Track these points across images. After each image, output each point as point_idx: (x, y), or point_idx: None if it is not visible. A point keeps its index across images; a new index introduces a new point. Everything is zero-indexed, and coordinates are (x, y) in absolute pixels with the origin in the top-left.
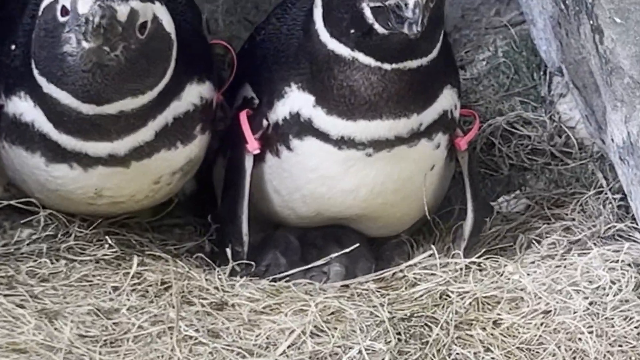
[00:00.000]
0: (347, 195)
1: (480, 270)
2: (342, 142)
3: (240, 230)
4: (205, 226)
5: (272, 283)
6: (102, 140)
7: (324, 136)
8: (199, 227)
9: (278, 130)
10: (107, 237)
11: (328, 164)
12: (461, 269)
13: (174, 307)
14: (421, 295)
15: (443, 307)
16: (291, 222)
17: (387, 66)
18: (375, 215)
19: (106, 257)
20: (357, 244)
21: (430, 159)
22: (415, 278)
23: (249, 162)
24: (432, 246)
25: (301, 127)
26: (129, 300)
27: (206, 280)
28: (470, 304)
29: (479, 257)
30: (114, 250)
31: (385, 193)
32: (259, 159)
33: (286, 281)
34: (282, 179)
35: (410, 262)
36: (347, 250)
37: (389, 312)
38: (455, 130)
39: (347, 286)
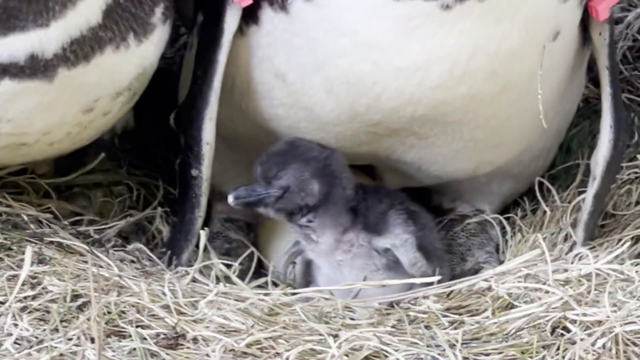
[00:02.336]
0: (408, 78)
1: (625, 280)
2: None
3: (199, 137)
4: (148, 188)
5: (263, 297)
6: (20, 29)
7: None
8: (136, 189)
9: None
10: None
11: (374, 23)
12: (588, 278)
13: (93, 342)
14: (520, 329)
15: (558, 349)
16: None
17: None
18: (454, 120)
19: None
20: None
21: (553, 20)
22: (510, 295)
23: (230, 21)
24: (539, 235)
25: None
26: (16, 326)
27: (149, 291)
28: (604, 346)
29: (620, 257)
30: None
31: (474, 76)
32: (248, 19)
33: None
34: (292, 51)
35: (502, 268)
36: None
37: (464, 358)
38: None
39: (391, 305)
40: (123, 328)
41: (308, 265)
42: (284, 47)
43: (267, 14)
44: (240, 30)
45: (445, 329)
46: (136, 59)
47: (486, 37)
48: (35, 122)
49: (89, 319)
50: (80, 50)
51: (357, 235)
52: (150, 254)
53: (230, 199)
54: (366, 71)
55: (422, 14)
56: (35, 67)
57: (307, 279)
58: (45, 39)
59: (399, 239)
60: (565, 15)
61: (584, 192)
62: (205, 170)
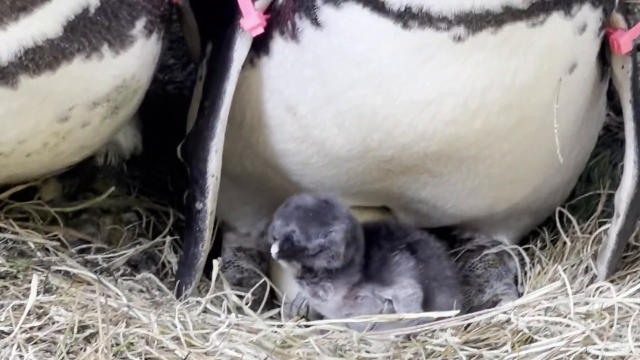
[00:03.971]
0: (421, 111)
1: None
2: (410, 17)
3: (204, 169)
4: (158, 215)
5: (276, 328)
6: None
7: (376, 4)
8: (145, 216)
9: None
10: None
11: (386, 53)
12: (610, 312)
13: None
14: None
15: None
16: (309, 175)
17: None
18: (468, 156)
19: None
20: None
21: (569, 52)
22: (530, 328)
23: (240, 50)
24: (559, 267)
25: None
26: (21, 358)
27: (159, 322)
28: None
29: None
30: None
31: (489, 110)
32: (259, 50)
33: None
34: (302, 83)
35: (521, 300)
36: None
37: None
38: (612, 13)
39: (408, 337)
40: None
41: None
42: (294, 78)
43: (278, 44)
44: (251, 62)
45: None
46: (113, 69)
47: (500, 69)
48: (7, 129)
49: (96, 351)
50: (41, 59)
51: (362, 287)
52: (160, 284)
53: (275, 249)
54: (378, 104)
55: (434, 44)
56: None
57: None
58: None
59: (403, 293)
60: (581, 48)
61: (605, 222)
62: (209, 204)
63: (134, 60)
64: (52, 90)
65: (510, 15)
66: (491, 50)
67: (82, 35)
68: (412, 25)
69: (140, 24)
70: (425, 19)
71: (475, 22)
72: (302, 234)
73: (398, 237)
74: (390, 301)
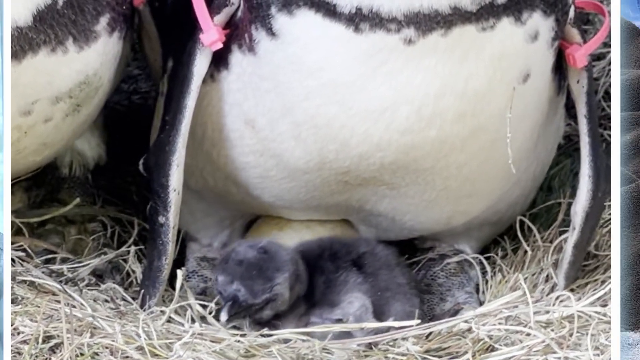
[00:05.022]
0: (376, 120)
1: (608, 323)
2: (361, 19)
3: (166, 183)
4: (123, 224)
5: (239, 338)
6: None
7: (327, 7)
8: (110, 226)
9: (253, 3)
10: None
11: (339, 60)
12: (570, 320)
13: None
14: None
15: None
16: (269, 188)
17: None
18: (425, 167)
19: None
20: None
21: (522, 60)
22: (490, 337)
23: (200, 65)
24: (520, 276)
25: None
26: None
27: (123, 332)
28: None
29: (602, 299)
30: None
31: (443, 117)
32: (219, 64)
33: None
34: (260, 95)
35: (482, 309)
36: None
37: None
38: (566, 26)
39: (370, 346)
40: None
41: None
42: (252, 91)
43: (237, 57)
44: (212, 76)
45: None
46: (76, 64)
47: (452, 75)
48: None
49: None
50: (11, 47)
51: (311, 314)
52: (124, 294)
53: (224, 316)
54: (333, 113)
55: (386, 48)
56: None
57: None
58: None
59: (352, 308)
60: (534, 57)
61: (565, 231)
62: (172, 218)
63: (96, 57)
64: (16, 82)
65: (459, 17)
66: (442, 54)
67: (49, 27)
68: (363, 28)
69: (104, 20)
70: (376, 21)
71: (424, 22)
72: (248, 292)
73: (342, 256)
74: (341, 320)
